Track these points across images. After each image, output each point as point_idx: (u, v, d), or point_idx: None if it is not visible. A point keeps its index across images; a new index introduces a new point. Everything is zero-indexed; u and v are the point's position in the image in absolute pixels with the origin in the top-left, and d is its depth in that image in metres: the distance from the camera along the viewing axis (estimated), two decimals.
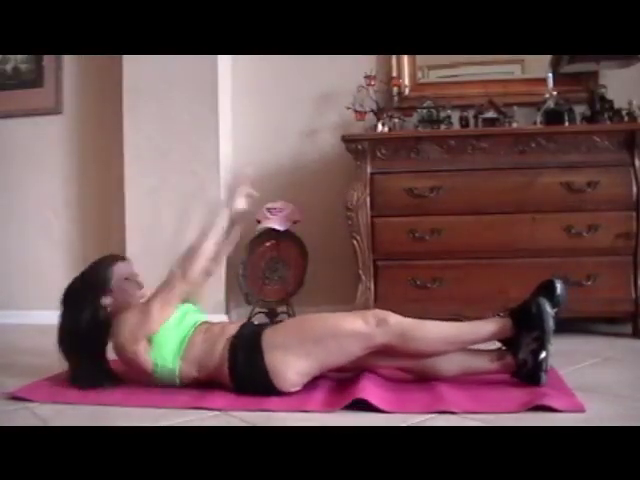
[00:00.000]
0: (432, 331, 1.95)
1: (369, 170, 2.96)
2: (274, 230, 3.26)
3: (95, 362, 2.08)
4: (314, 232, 3.36)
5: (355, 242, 2.94)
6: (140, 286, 2.15)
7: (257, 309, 3.29)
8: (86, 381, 2.05)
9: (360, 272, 2.94)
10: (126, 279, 2.13)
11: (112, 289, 2.09)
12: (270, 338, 1.93)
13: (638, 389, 1.96)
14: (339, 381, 2.04)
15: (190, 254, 2.01)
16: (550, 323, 1.89)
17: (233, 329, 2.02)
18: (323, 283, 3.37)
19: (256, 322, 2.08)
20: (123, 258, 2.23)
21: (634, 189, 2.80)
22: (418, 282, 2.90)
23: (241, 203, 2.09)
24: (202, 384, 2.01)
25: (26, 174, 3.81)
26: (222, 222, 2.06)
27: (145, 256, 3.34)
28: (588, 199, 2.82)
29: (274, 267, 3.33)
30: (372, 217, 2.94)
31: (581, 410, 1.71)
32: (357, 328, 1.90)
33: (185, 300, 2.12)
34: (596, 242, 2.81)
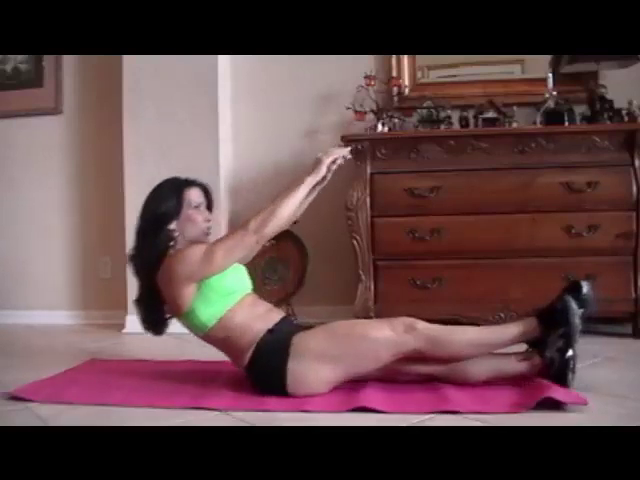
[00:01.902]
0: (459, 335, 1.95)
1: (369, 170, 2.96)
2: None
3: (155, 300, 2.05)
4: (314, 232, 3.36)
5: (355, 242, 2.94)
6: (208, 218, 2.10)
7: None
8: (143, 321, 2.08)
9: (360, 272, 2.94)
10: (195, 207, 2.07)
11: (180, 215, 2.04)
12: (300, 344, 1.92)
13: (638, 389, 1.97)
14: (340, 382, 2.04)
15: (269, 214, 1.93)
16: (576, 320, 1.89)
17: (273, 320, 2.00)
18: (323, 283, 3.37)
19: (294, 320, 2.06)
20: (195, 183, 2.12)
21: (634, 189, 2.80)
22: (418, 282, 2.90)
23: (324, 170, 2.03)
24: (201, 381, 2.00)
25: (26, 174, 3.81)
26: (304, 190, 2.00)
27: None
28: (588, 199, 2.82)
29: (274, 267, 3.33)
30: (372, 217, 2.94)
31: (583, 403, 1.72)
32: (386, 335, 1.90)
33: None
34: (596, 242, 2.81)
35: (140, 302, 2.10)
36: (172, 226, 2.04)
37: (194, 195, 2.08)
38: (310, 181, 2.01)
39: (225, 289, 1.99)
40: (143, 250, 2.05)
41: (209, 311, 1.97)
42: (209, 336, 2.01)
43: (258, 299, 2.10)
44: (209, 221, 2.11)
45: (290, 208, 1.96)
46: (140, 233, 2.06)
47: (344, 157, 2.09)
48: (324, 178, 2.06)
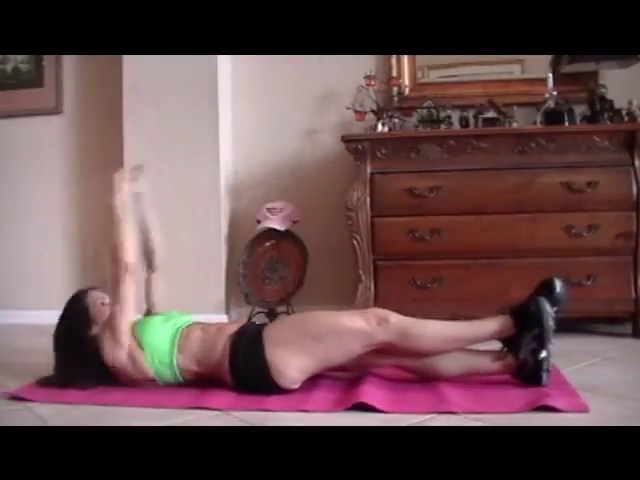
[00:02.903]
0: (432, 329, 1.95)
1: (369, 170, 2.96)
2: (274, 230, 3.26)
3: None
4: (314, 232, 3.36)
5: (355, 242, 2.94)
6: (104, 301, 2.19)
7: (257, 309, 3.29)
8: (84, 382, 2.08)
9: (360, 272, 2.94)
10: (102, 304, 2.16)
11: (94, 318, 2.13)
12: (271, 334, 1.93)
13: (638, 389, 1.96)
14: (339, 381, 2.04)
15: (114, 248, 2.03)
16: (549, 322, 1.89)
17: (233, 328, 2.03)
18: (323, 283, 3.37)
19: (257, 322, 2.08)
20: (92, 288, 2.26)
21: (634, 189, 2.80)
22: (418, 282, 2.90)
23: (126, 190, 2.10)
24: (203, 381, 2.01)
25: (26, 174, 3.81)
26: (120, 205, 2.07)
27: None
28: (588, 199, 2.82)
29: (274, 267, 3.33)
30: (372, 217, 2.94)
31: (585, 410, 1.71)
32: (358, 326, 1.90)
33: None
34: (596, 242, 2.82)
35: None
36: (95, 331, 2.10)
37: (95, 295, 2.20)
38: (115, 203, 2.07)
39: (161, 327, 2.04)
40: (71, 362, 2.11)
41: (164, 351, 1.99)
42: (187, 371, 2.01)
43: (207, 324, 2.11)
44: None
45: (125, 229, 2.04)
46: (63, 350, 2.14)
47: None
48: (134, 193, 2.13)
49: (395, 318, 1.92)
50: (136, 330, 2.06)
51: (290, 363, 1.89)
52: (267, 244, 3.35)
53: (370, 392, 1.87)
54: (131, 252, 2.04)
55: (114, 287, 2.04)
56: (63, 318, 2.19)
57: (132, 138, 3.39)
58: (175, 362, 2.00)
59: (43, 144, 3.79)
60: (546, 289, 1.96)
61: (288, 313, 3.20)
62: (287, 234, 3.30)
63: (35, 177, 3.80)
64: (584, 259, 2.83)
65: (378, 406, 1.77)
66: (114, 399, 1.95)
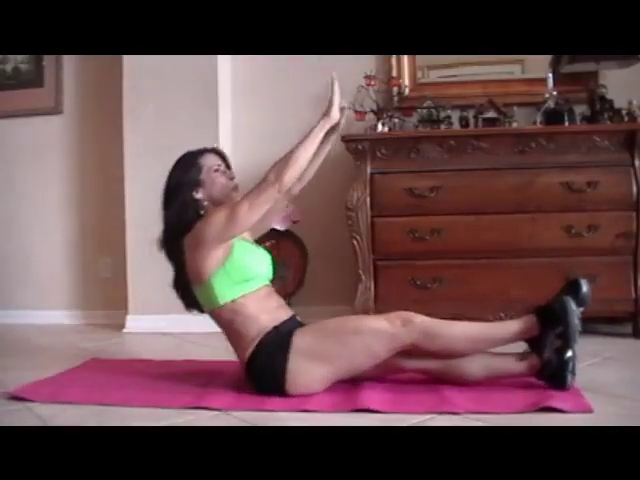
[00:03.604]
0: (457, 330, 1.94)
1: (369, 170, 2.96)
2: (274, 230, 3.26)
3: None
4: (314, 232, 3.36)
5: (355, 242, 2.93)
6: (231, 177, 2.11)
7: None
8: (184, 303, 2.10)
9: (360, 272, 2.94)
10: (215, 170, 2.07)
11: (203, 181, 2.05)
12: (297, 343, 1.91)
13: (638, 389, 1.97)
14: (341, 382, 2.04)
15: (286, 159, 1.93)
16: (575, 320, 1.88)
17: (280, 318, 1.99)
18: (323, 283, 3.37)
19: (299, 318, 2.07)
20: (212, 150, 2.16)
21: (634, 189, 2.80)
22: (418, 282, 2.90)
23: (337, 112, 2.02)
24: (202, 380, 2.01)
25: (26, 174, 3.81)
26: (318, 133, 2.00)
27: (145, 256, 3.34)
28: (588, 199, 2.82)
29: (274, 267, 3.33)
30: (372, 217, 2.94)
31: (589, 411, 1.71)
32: (382, 327, 1.89)
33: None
34: (596, 242, 2.81)
35: (176, 286, 2.11)
36: (199, 195, 2.04)
37: (210, 160, 2.09)
38: (323, 124, 2.00)
39: (247, 271, 1.98)
40: (171, 223, 2.05)
41: (225, 289, 1.95)
42: (217, 314, 1.99)
43: (273, 292, 2.09)
44: (233, 179, 2.11)
45: (307, 152, 1.95)
46: (166, 208, 2.07)
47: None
48: (338, 123, 2.05)
49: (419, 318, 1.91)
50: (243, 244, 2.03)
51: (311, 373, 1.89)
52: (267, 244, 3.34)
53: (371, 395, 1.87)
54: (294, 175, 1.94)
55: (257, 191, 1.92)
56: (171, 175, 2.10)
57: (132, 138, 3.39)
58: (229, 297, 1.96)
59: (43, 144, 3.79)
60: (572, 289, 1.95)
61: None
62: (287, 234, 3.30)
63: (35, 177, 3.80)
64: (584, 259, 2.83)
65: (380, 408, 1.77)
66: (114, 399, 1.95)
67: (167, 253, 2.09)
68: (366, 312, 2.89)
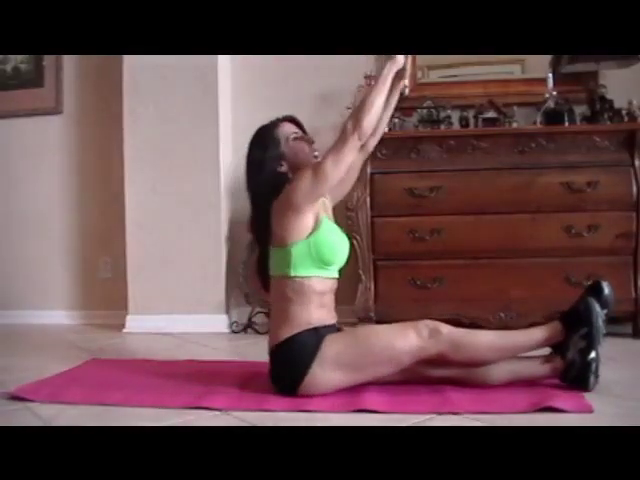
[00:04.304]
0: (483, 339, 1.93)
1: (369, 170, 2.96)
2: None
3: None
4: None
5: (355, 242, 2.93)
6: (310, 141, 2.07)
7: (257, 309, 3.29)
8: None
9: (360, 272, 2.95)
10: (295, 138, 2.04)
11: (284, 153, 2.01)
12: (327, 348, 1.89)
13: (638, 389, 1.97)
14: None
15: (361, 105, 1.92)
16: (599, 321, 1.87)
17: (327, 320, 1.98)
18: None
19: (337, 325, 2.05)
20: (285, 118, 2.12)
21: (634, 189, 2.80)
22: (418, 282, 2.90)
23: (401, 56, 2.05)
24: (203, 380, 2.00)
25: (26, 174, 3.81)
26: (387, 76, 1.98)
27: (145, 256, 3.35)
28: (588, 199, 2.82)
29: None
30: (372, 217, 2.95)
31: (589, 411, 1.71)
32: (411, 343, 1.87)
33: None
34: (596, 242, 2.82)
35: (259, 264, 2.07)
36: (283, 169, 2.01)
37: (287, 129, 2.06)
38: (390, 66, 1.99)
39: (330, 253, 1.94)
40: (260, 193, 2.00)
41: (302, 262, 1.92)
42: (281, 283, 1.95)
43: (334, 291, 2.06)
44: (313, 143, 2.08)
45: (379, 96, 1.93)
46: (252, 186, 2.02)
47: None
48: (404, 69, 2.07)
49: (446, 329, 1.90)
50: (331, 224, 2.01)
51: (332, 382, 1.88)
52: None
53: (373, 396, 1.87)
54: (372, 120, 1.92)
55: (339, 144, 1.90)
56: (251, 154, 2.04)
57: (132, 138, 3.39)
58: (302, 271, 1.92)
59: (43, 144, 3.79)
60: (594, 292, 1.95)
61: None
62: None
63: (35, 177, 3.80)
64: (584, 259, 2.83)
65: (381, 409, 1.77)
66: (114, 399, 1.95)
67: (255, 218, 2.04)
68: (366, 312, 2.90)
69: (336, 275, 2.04)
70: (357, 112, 1.92)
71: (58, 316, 3.67)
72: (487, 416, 1.71)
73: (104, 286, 3.69)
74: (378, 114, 1.96)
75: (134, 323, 3.35)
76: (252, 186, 2.03)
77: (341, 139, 1.90)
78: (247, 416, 1.76)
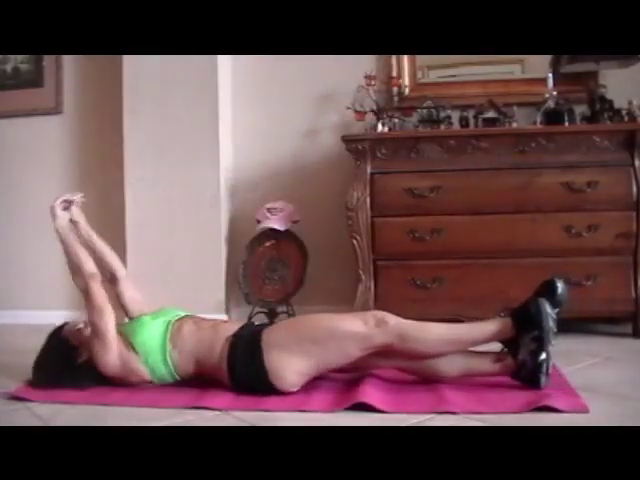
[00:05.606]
0: (431, 332, 1.94)
1: (369, 170, 2.96)
2: (274, 230, 3.26)
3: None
4: (314, 232, 3.35)
5: (355, 242, 2.93)
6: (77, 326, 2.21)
7: (257, 309, 3.29)
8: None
9: (360, 272, 2.94)
10: (78, 330, 2.16)
11: (76, 346, 2.13)
12: (269, 337, 1.93)
13: (638, 389, 1.97)
14: (339, 382, 2.04)
15: (73, 261, 2.17)
16: (550, 323, 1.87)
17: (230, 328, 2.03)
18: (323, 283, 3.36)
19: (256, 322, 2.08)
20: (64, 324, 2.27)
21: (634, 189, 2.80)
22: (418, 282, 2.90)
23: (57, 213, 2.29)
24: (201, 381, 2.01)
25: (26, 174, 3.81)
26: (60, 236, 2.25)
27: (145, 256, 3.34)
28: (588, 199, 2.82)
29: (274, 267, 3.33)
30: (372, 217, 2.94)
31: (585, 411, 1.71)
32: (356, 328, 1.89)
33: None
34: (596, 242, 2.81)
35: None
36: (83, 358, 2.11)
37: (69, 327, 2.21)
38: (55, 227, 2.25)
39: (151, 323, 2.07)
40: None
41: (157, 347, 2.02)
42: (183, 370, 2.03)
43: (200, 318, 2.13)
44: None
45: (69, 251, 2.21)
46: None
47: (76, 201, 2.33)
48: (72, 221, 2.33)
49: (393, 320, 1.91)
50: (125, 331, 2.08)
51: (288, 367, 1.89)
52: (267, 244, 3.35)
53: (370, 392, 1.87)
54: (87, 263, 2.13)
55: (87, 299, 2.07)
56: (48, 359, 2.16)
57: (132, 138, 3.38)
58: (170, 358, 2.00)
59: (43, 144, 3.79)
60: (547, 290, 1.94)
61: (288, 313, 3.21)
62: (287, 234, 3.30)
63: (35, 177, 3.79)
64: (584, 259, 2.83)
65: (378, 406, 1.77)
66: (114, 399, 1.95)
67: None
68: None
69: (180, 315, 2.13)
70: (74, 271, 2.18)
71: (58, 316, 3.64)
72: (484, 416, 1.71)
73: (104, 286, 3.68)
74: (85, 254, 2.19)
75: None
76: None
77: (86, 296, 2.09)
78: (246, 416, 1.76)
